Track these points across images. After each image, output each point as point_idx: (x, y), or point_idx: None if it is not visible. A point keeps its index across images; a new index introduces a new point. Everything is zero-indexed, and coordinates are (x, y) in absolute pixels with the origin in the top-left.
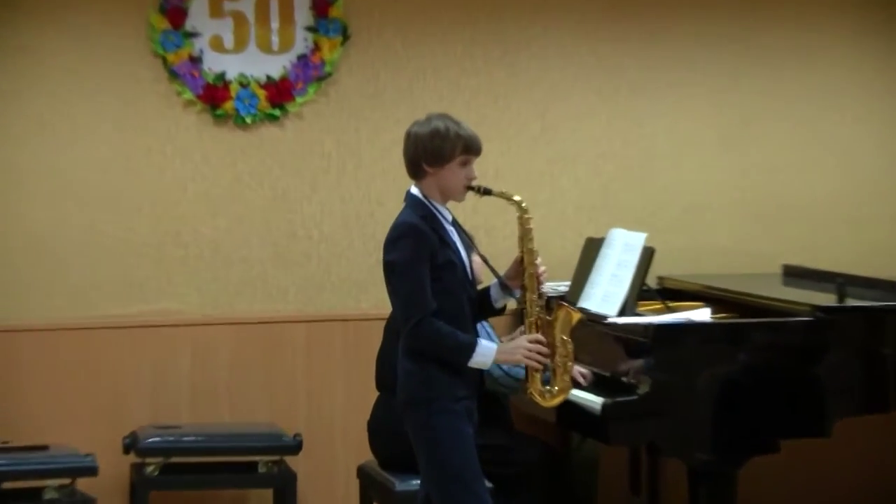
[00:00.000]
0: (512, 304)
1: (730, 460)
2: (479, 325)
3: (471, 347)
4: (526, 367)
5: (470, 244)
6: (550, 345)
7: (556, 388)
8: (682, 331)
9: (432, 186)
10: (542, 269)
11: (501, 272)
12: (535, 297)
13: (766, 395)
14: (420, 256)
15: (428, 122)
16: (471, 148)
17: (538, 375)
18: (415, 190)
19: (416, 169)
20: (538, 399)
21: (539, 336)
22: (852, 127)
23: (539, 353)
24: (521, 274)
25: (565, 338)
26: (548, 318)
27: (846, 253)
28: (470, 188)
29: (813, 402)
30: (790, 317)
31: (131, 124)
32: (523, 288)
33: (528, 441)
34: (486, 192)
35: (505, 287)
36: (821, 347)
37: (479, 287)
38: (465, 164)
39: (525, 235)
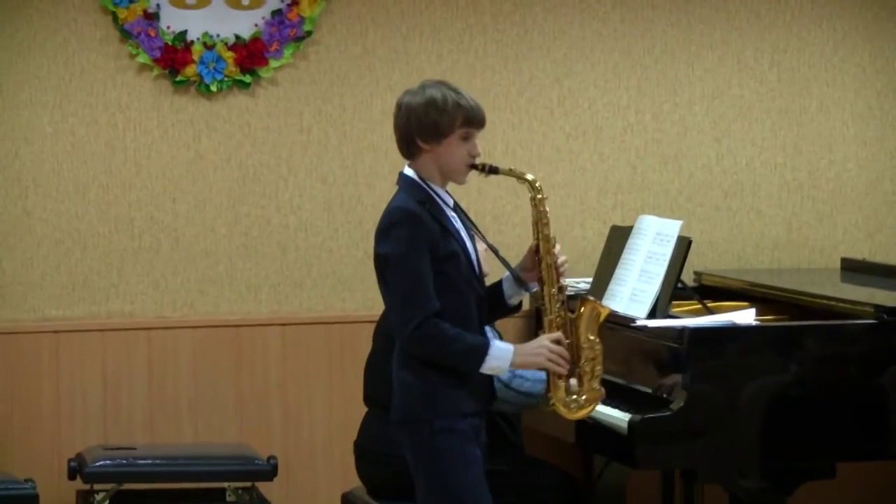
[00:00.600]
0: (526, 303)
1: (778, 487)
2: (485, 329)
3: (483, 350)
4: (548, 373)
5: (474, 232)
6: (576, 346)
7: (584, 396)
8: (723, 335)
9: (429, 166)
10: (561, 258)
11: (513, 264)
12: (554, 291)
13: (822, 412)
14: (419, 248)
15: (422, 90)
16: (473, 120)
17: (562, 382)
18: (409, 171)
19: (409, 146)
20: (563, 410)
21: (560, 335)
22: None
23: (562, 355)
24: (537, 265)
25: (592, 337)
26: (571, 314)
27: None
28: (473, 167)
29: (876, 418)
30: (850, 319)
31: (75, 92)
32: (540, 281)
33: (542, 466)
34: (493, 170)
35: (519, 281)
36: (885, 355)
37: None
38: (467, 138)
39: (540, 220)
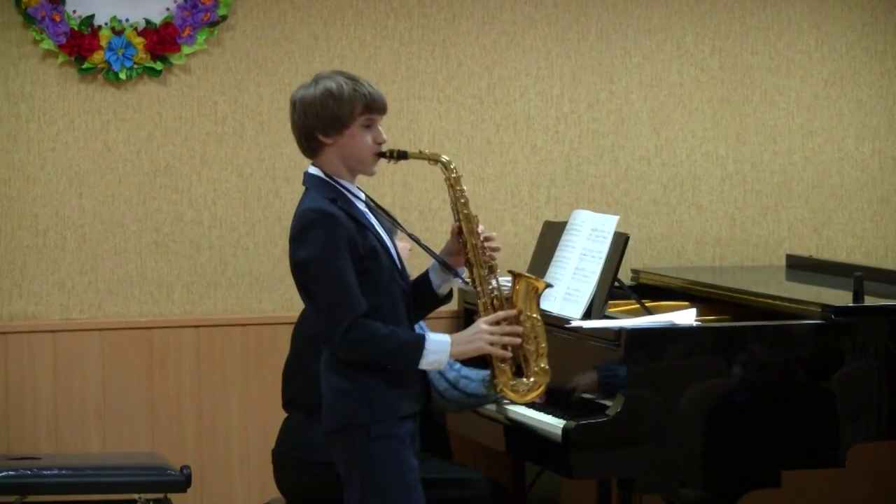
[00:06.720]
0: (456, 304)
1: (720, 497)
2: (415, 325)
3: (419, 345)
4: (490, 358)
5: (392, 224)
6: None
7: (532, 378)
8: (662, 337)
9: (334, 160)
10: (491, 235)
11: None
12: (484, 271)
13: (766, 417)
14: (337, 248)
15: (315, 83)
16: (373, 106)
17: (506, 365)
18: (314, 169)
19: (310, 142)
20: (510, 394)
21: (497, 315)
22: (878, 85)
23: (505, 333)
24: (462, 247)
25: (532, 314)
26: (506, 294)
27: (866, 241)
28: (381, 155)
29: (823, 424)
30: (796, 319)
31: None
32: (468, 263)
33: (472, 475)
34: (402, 155)
35: (446, 266)
36: (833, 357)
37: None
38: (369, 125)
39: (458, 199)
